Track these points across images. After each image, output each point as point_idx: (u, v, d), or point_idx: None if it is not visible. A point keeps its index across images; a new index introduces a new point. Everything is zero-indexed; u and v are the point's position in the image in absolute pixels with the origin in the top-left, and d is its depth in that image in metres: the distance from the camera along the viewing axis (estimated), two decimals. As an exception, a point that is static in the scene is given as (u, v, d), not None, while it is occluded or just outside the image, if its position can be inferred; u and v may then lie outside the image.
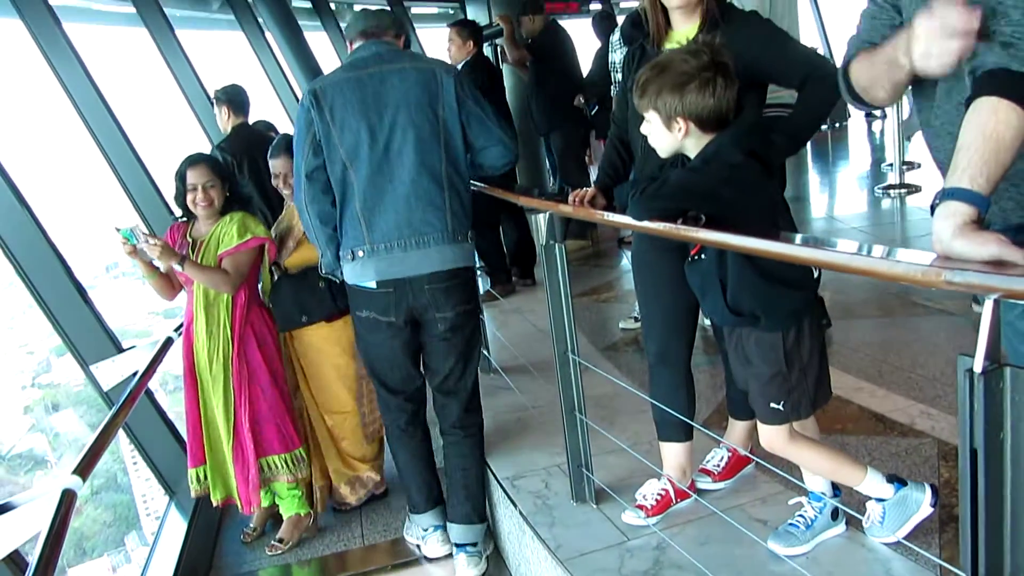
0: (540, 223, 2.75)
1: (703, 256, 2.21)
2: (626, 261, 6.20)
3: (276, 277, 3.59)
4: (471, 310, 3.12)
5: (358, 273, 2.98)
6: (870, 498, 2.34)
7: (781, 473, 2.43)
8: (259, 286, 3.58)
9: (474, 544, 3.21)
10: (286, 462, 3.53)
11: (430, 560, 3.32)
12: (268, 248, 3.49)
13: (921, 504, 2.30)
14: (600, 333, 4.79)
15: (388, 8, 3.19)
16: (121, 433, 3.75)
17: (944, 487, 2.51)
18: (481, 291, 4.72)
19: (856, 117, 13.68)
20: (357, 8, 11.78)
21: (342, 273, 3.05)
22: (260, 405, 3.46)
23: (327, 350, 3.63)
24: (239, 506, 3.55)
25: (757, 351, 2.22)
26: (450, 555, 3.27)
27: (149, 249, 3.19)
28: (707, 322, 3.03)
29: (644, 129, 2.20)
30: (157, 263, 3.29)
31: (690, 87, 2.05)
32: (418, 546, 3.39)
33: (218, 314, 3.39)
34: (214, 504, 3.57)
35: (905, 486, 2.32)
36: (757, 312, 2.16)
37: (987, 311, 1.19)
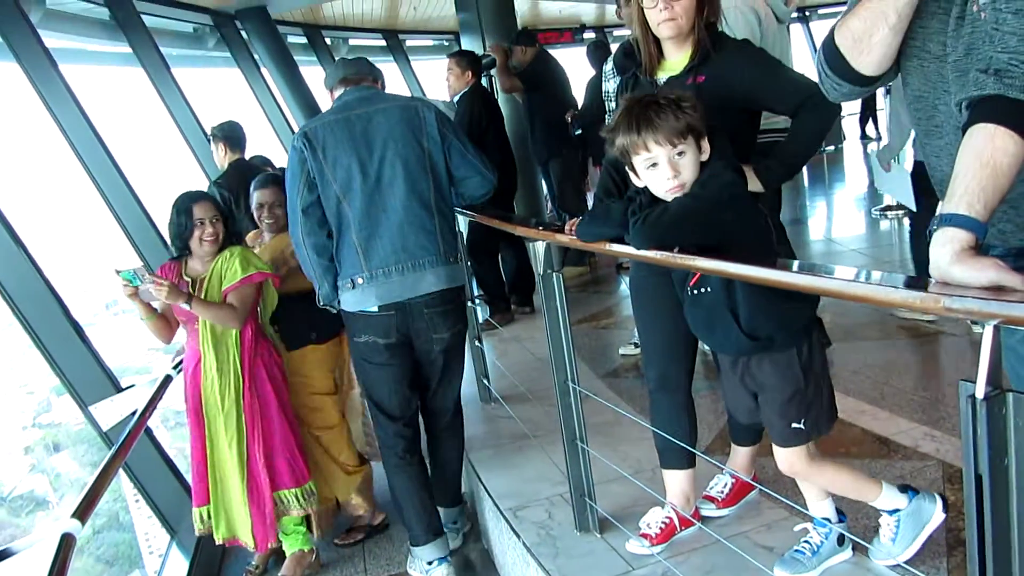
0: (538, 251, 2.75)
1: (706, 290, 2.20)
2: (625, 286, 6.20)
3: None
4: (462, 330, 3.34)
5: (359, 299, 3.08)
6: (882, 513, 2.32)
7: (785, 500, 2.41)
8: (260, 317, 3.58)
9: (455, 522, 3.55)
10: (297, 496, 3.50)
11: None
12: (272, 282, 3.49)
13: (933, 514, 2.29)
14: (600, 359, 4.78)
15: (366, 58, 3.38)
16: (122, 471, 3.73)
17: (951, 510, 2.49)
18: (480, 320, 4.72)
19: (851, 139, 13.77)
20: (352, 43, 11.90)
21: (339, 303, 3.13)
22: (273, 439, 3.44)
23: (310, 372, 3.68)
24: (253, 544, 3.46)
25: (773, 373, 2.20)
26: None
27: (156, 290, 3.14)
28: (707, 347, 3.02)
29: (676, 166, 2.06)
30: (158, 303, 3.27)
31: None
32: (422, 580, 3.37)
33: (227, 350, 3.37)
34: (217, 543, 3.53)
35: (917, 494, 2.31)
36: (774, 333, 2.16)
37: (987, 337, 1.18)
